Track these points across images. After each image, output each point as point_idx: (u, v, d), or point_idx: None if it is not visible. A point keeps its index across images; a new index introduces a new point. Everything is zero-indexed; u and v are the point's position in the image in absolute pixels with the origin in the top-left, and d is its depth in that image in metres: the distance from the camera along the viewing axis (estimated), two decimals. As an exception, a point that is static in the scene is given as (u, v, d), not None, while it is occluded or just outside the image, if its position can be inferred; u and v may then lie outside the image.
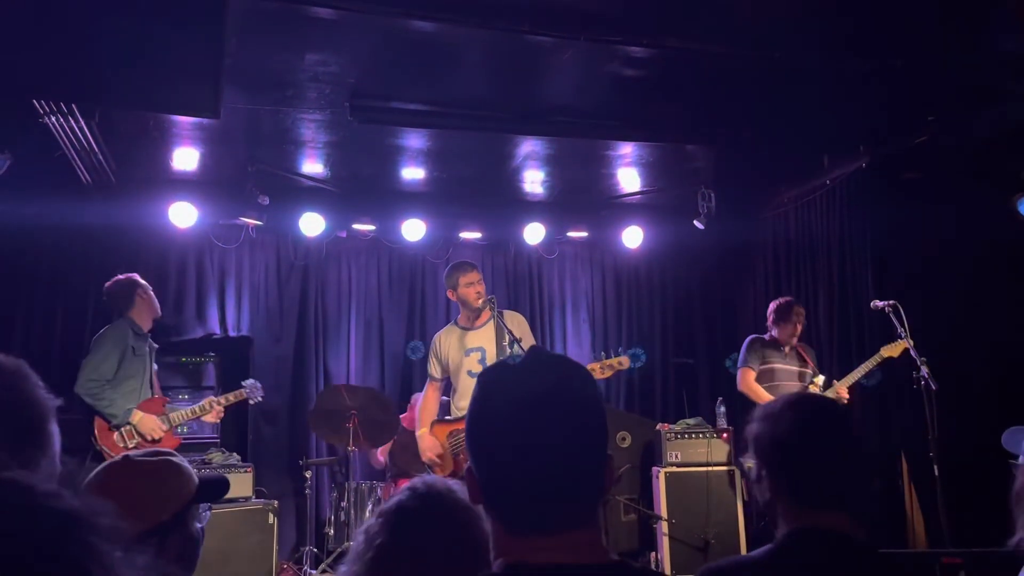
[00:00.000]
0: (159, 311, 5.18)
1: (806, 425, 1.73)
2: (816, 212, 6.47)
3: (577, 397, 1.17)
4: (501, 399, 1.18)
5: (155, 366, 5.11)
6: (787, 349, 5.67)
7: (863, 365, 5.38)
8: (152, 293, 5.13)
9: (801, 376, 5.64)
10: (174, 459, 1.81)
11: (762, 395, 5.48)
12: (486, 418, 1.19)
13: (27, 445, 1.11)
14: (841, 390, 5.45)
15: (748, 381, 5.63)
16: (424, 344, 6.99)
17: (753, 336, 5.84)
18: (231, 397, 5.22)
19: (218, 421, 5.26)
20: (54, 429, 1.18)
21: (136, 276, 5.13)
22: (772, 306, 5.77)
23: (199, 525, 1.78)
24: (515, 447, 1.13)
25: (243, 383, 5.38)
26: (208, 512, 1.84)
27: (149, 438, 4.77)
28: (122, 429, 4.74)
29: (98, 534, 0.67)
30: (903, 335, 4.85)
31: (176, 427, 4.98)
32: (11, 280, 6.11)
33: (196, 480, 1.79)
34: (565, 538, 1.13)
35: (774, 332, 5.70)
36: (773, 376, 5.62)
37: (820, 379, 5.61)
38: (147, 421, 4.81)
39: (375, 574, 1.55)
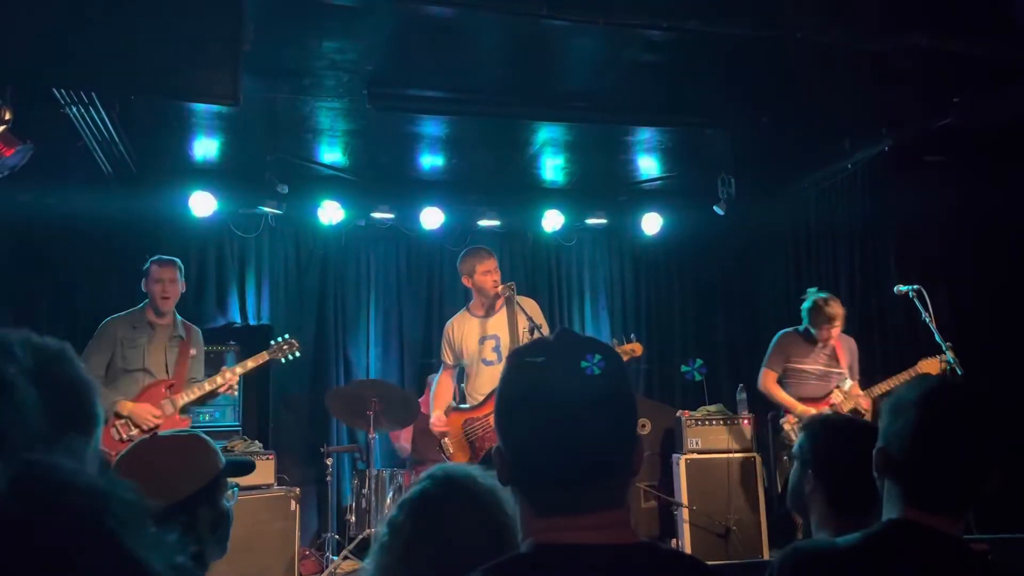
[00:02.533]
0: (156, 302, 4.82)
1: (943, 418, 1.62)
2: (838, 196, 6.40)
3: (604, 378, 1.17)
4: (530, 380, 1.18)
5: (177, 349, 4.85)
6: (821, 345, 5.36)
7: (896, 377, 5.14)
8: (153, 285, 4.82)
9: (826, 376, 5.37)
10: (199, 436, 1.90)
11: (780, 396, 5.37)
12: (515, 399, 1.19)
13: (72, 427, 1.12)
14: (864, 401, 5.23)
15: (766, 383, 5.46)
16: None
17: (784, 332, 5.52)
18: (249, 363, 4.96)
19: (233, 392, 5.07)
20: (99, 411, 1.18)
21: (151, 265, 4.87)
22: (806, 303, 5.39)
23: (227, 504, 1.84)
24: (544, 427, 1.13)
25: (274, 341, 5.13)
26: (236, 489, 1.91)
27: (146, 427, 4.53)
28: (117, 424, 4.53)
29: (130, 509, 0.67)
30: (928, 320, 4.78)
31: (182, 408, 4.74)
32: (34, 270, 6.17)
33: (222, 457, 1.88)
34: (594, 518, 1.13)
35: (811, 328, 5.35)
36: (799, 376, 5.40)
37: (848, 384, 5.32)
38: (139, 409, 4.58)
39: (405, 565, 1.55)
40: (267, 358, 5.02)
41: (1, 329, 1.14)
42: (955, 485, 1.60)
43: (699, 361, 7.38)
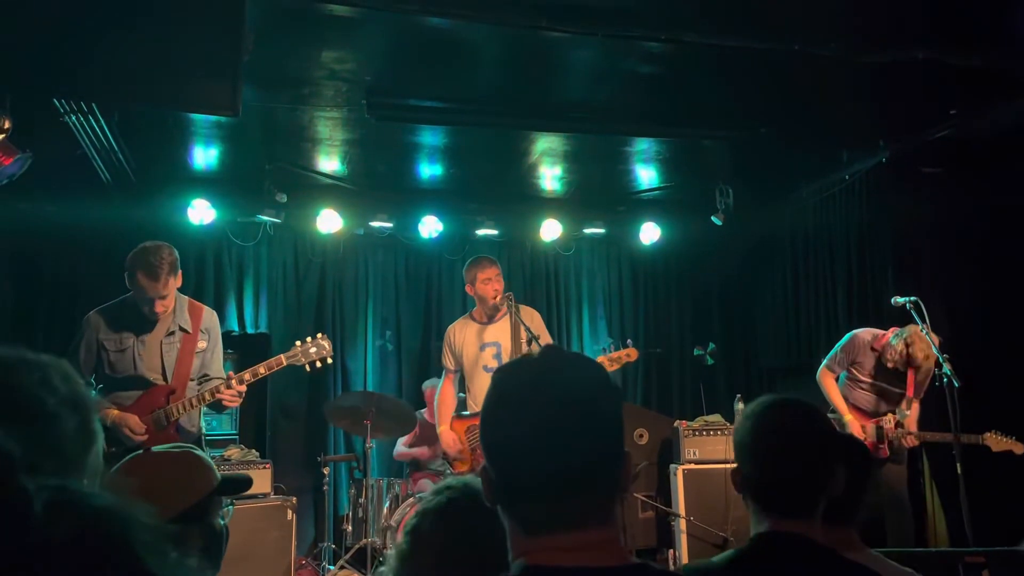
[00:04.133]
0: (152, 297, 3.85)
1: (771, 433, 1.73)
2: (835, 207, 6.41)
3: (591, 394, 1.16)
4: (515, 397, 1.17)
5: (177, 345, 3.96)
6: (891, 365, 4.91)
7: (957, 436, 4.68)
8: (144, 304, 3.88)
9: (884, 393, 5.01)
10: (194, 452, 1.86)
11: (831, 395, 5.10)
12: (500, 416, 1.18)
13: (74, 443, 1.12)
14: (911, 439, 4.91)
15: (823, 379, 5.15)
16: (395, 337, 7.05)
17: (857, 335, 5.09)
18: (260, 370, 4.01)
19: (236, 404, 4.00)
20: (97, 426, 1.18)
21: (136, 274, 3.80)
22: (883, 339, 4.89)
23: (222, 521, 1.81)
24: (529, 445, 1.13)
25: (298, 342, 4.21)
26: (231, 508, 1.88)
27: (129, 444, 3.74)
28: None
29: (152, 533, 0.67)
30: (926, 332, 4.78)
31: (175, 420, 3.91)
32: (32, 278, 6.18)
33: (217, 474, 1.83)
34: (582, 536, 1.12)
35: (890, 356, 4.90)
36: (857, 383, 5.09)
37: (906, 415, 4.92)
38: (123, 420, 3.79)
39: (438, 572, 1.54)
40: (284, 363, 4.09)
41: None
42: (800, 490, 1.69)
43: (712, 345, 7.38)
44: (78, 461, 1.06)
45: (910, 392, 4.97)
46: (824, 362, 5.22)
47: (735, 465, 1.79)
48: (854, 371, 5.10)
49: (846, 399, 5.12)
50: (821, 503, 1.69)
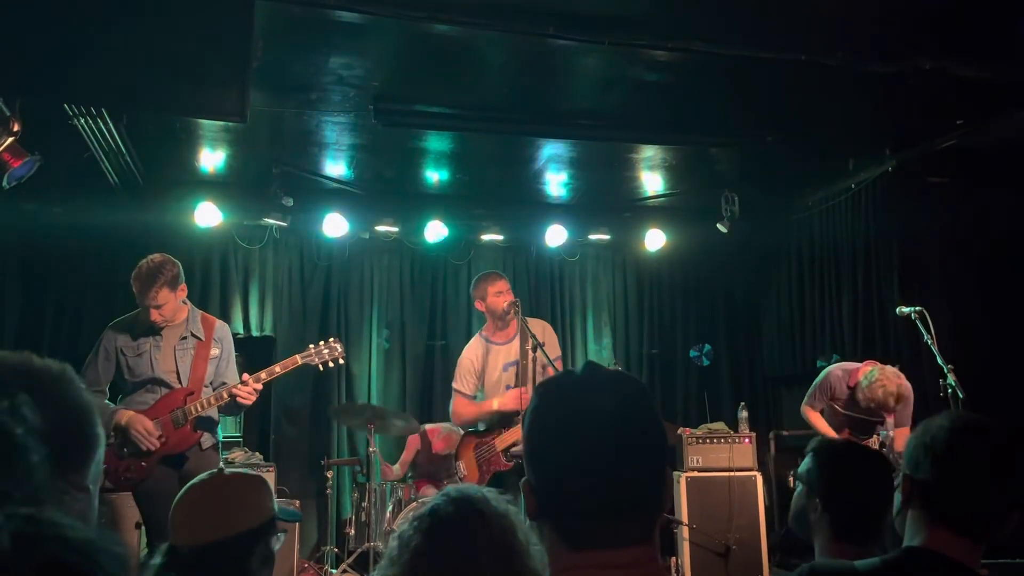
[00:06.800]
0: (142, 306, 4.10)
1: (980, 453, 1.65)
2: (841, 216, 6.41)
3: (636, 412, 1.16)
4: (561, 413, 1.17)
5: (192, 352, 4.18)
6: (864, 405, 4.88)
7: None
8: (147, 312, 4.09)
9: (865, 424, 5.04)
10: (263, 478, 2.16)
11: (819, 427, 5.16)
12: (546, 432, 1.17)
13: (75, 451, 1.12)
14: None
15: (807, 415, 5.23)
16: (398, 341, 7.10)
17: (832, 371, 5.15)
18: (276, 369, 4.26)
19: (251, 400, 4.15)
20: (100, 432, 1.19)
21: (134, 287, 4.09)
22: (865, 381, 4.82)
23: (275, 547, 2.04)
24: (576, 462, 1.13)
25: (311, 345, 4.44)
26: (283, 535, 2.11)
27: (145, 447, 3.96)
28: (113, 436, 3.96)
29: (120, 563, 0.68)
30: (930, 342, 4.77)
31: (192, 420, 4.07)
32: (39, 280, 6.21)
33: (276, 503, 2.11)
34: (625, 554, 1.12)
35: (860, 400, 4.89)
36: (838, 415, 5.12)
37: (889, 436, 4.92)
38: (134, 422, 3.95)
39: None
40: (299, 363, 4.31)
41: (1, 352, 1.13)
42: (979, 506, 1.62)
43: (707, 346, 7.37)
44: (52, 487, 1.03)
45: (888, 416, 4.98)
46: (804, 400, 5.29)
47: (906, 472, 1.70)
48: (834, 405, 5.16)
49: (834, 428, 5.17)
50: (994, 529, 1.64)
